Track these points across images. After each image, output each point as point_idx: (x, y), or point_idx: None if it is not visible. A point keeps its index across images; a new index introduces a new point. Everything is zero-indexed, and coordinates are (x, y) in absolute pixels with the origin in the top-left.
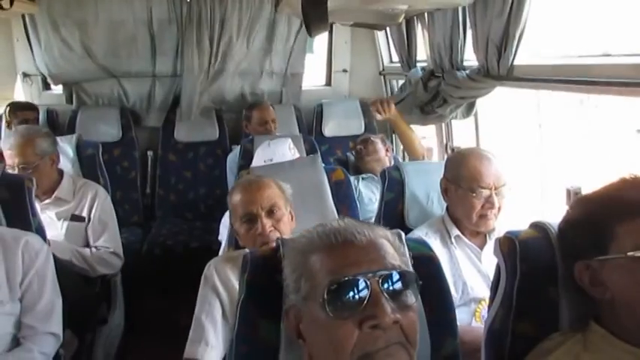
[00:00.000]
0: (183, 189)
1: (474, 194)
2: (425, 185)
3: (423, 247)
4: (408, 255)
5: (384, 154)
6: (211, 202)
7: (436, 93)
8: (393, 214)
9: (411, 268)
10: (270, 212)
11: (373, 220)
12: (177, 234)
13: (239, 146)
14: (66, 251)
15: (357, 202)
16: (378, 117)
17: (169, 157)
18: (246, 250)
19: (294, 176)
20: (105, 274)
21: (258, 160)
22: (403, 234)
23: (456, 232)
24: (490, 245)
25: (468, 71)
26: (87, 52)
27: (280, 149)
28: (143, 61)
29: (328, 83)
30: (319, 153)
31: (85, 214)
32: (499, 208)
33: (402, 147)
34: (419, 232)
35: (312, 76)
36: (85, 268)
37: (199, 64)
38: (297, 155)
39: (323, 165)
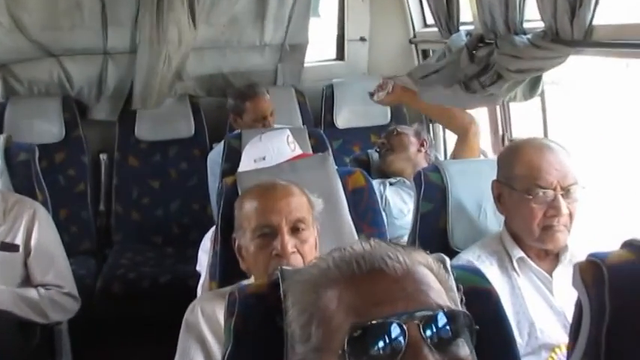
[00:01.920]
0: (148, 204)
1: (532, 197)
2: (475, 191)
3: (475, 277)
4: (455, 289)
5: (415, 150)
6: (187, 220)
7: (486, 65)
8: (433, 232)
9: (462, 307)
10: (295, 229)
11: (405, 239)
12: (141, 265)
13: (222, 143)
14: (3, 298)
15: (384, 216)
16: (376, 98)
17: (129, 161)
18: (244, 283)
19: (297, 181)
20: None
21: (246, 161)
22: (448, 260)
23: (518, 253)
24: (562, 269)
25: (530, 36)
26: (16, 24)
27: (275, 144)
28: (91, 33)
29: (340, 57)
30: (330, 150)
31: (19, 241)
32: (570, 216)
33: (443, 140)
34: (469, 256)
35: (318, 48)
36: (31, 318)
37: (161, 34)
38: (299, 151)
39: (336, 167)
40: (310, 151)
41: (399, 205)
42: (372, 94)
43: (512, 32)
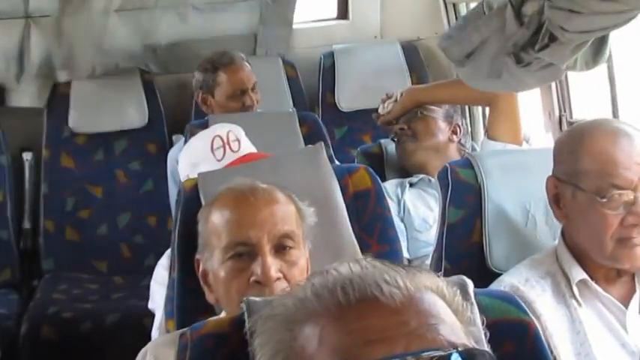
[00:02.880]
0: (89, 218)
1: (604, 199)
2: (521, 193)
3: (508, 306)
4: (479, 322)
5: (446, 138)
6: (141, 239)
7: (538, 27)
8: (464, 248)
9: (485, 346)
10: (281, 247)
11: (430, 258)
12: (81, 300)
13: (184, 135)
14: None
15: (402, 228)
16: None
17: (62, 161)
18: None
19: (281, 184)
20: None
21: (183, 163)
22: (470, 284)
23: (580, 275)
24: None
25: None
26: None
27: (226, 127)
28: None
29: (343, 14)
30: (328, 141)
31: None
32: None
33: (484, 126)
34: (513, 279)
35: (313, 2)
36: None
37: None
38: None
39: (334, 163)
40: (301, 142)
41: (423, 213)
42: (378, 109)
43: None
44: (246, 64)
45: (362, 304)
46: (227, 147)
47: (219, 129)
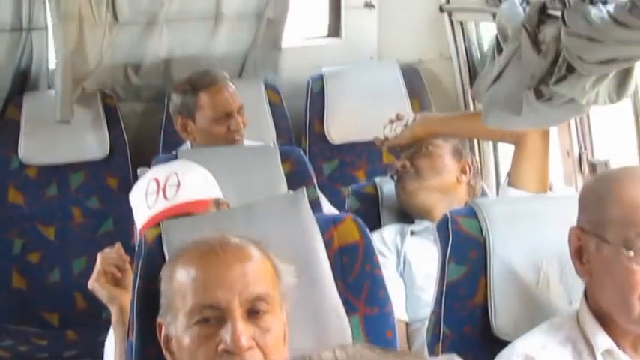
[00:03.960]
0: (39, 262)
1: (632, 252)
2: (532, 247)
3: None
4: None
5: (454, 179)
6: None
7: (556, 56)
8: (465, 311)
9: None
10: (254, 312)
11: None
12: (27, 358)
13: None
14: None
15: (401, 283)
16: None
17: (10, 196)
18: None
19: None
20: None
21: (139, 211)
22: None
23: (605, 342)
24: None
25: (612, 4)
26: None
27: (170, 169)
28: None
29: (335, 32)
30: (313, 180)
31: None
32: None
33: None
34: (527, 347)
35: (300, 18)
36: None
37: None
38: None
39: (324, 206)
40: (282, 185)
41: (427, 267)
42: (384, 129)
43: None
44: (230, 84)
45: None
46: (160, 193)
47: (161, 170)
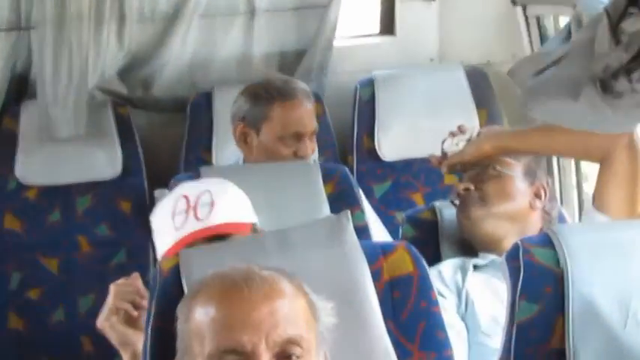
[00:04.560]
0: (39, 300)
1: None
2: (618, 281)
3: None
4: None
5: (526, 204)
6: None
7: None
8: (540, 357)
9: None
10: (284, 357)
11: None
12: None
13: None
14: None
15: (461, 327)
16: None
17: (5, 221)
18: None
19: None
20: None
21: (163, 234)
22: None
23: None
24: None
25: None
26: None
27: (202, 186)
28: None
29: (388, 29)
30: (360, 203)
31: None
32: None
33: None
34: None
35: (347, 15)
36: None
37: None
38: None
39: (368, 239)
40: (325, 208)
41: (493, 308)
42: (443, 144)
43: None
44: (309, 102)
45: None
46: (191, 212)
47: (191, 187)
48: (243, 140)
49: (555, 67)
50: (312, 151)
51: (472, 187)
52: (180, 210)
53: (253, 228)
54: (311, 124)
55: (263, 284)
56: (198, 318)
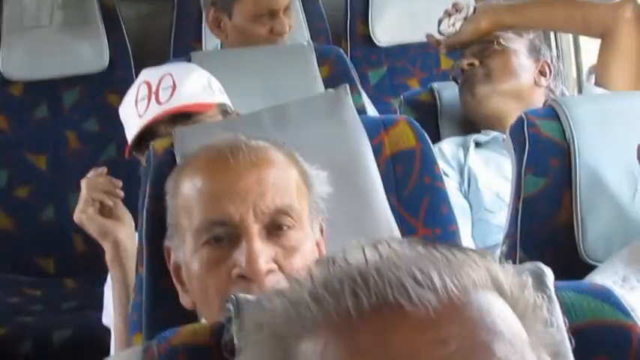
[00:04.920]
0: (29, 199)
1: None
2: (626, 152)
3: (604, 304)
4: (561, 324)
5: (531, 81)
6: None
7: None
8: (546, 231)
9: None
10: (275, 227)
11: (500, 246)
12: (19, 311)
13: None
14: None
15: (464, 204)
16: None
17: None
18: None
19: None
20: None
21: (129, 123)
22: (550, 273)
23: None
24: None
25: None
26: None
27: (180, 73)
28: None
29: None
30: (357, 85)
31: None
32: None
33: (575, 63)
34: (605, 277)
35: None
36: None
37: None
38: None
39: (368, 114)
40: (319, 85)
41: (496, 184)
42: (439, 25)
43: None
44: None
45: (379, 313)
46: (152, 97)
47: (153, 72)
48: (216, 25)
49: None
50: (288, 26)
51: (477, 63)
52: (142, 96)
53: (224, 109)
54: (285, 1)
55: (250, 153)
56: (184, 191)
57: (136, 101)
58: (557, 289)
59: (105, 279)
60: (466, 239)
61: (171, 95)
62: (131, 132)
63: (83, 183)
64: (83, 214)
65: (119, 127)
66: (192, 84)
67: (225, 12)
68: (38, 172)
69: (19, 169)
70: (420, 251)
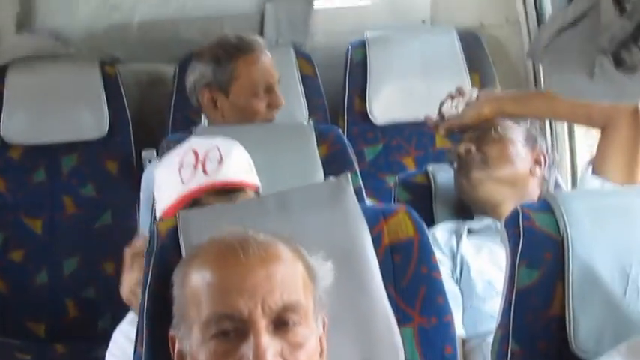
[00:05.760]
0: (23, 262)
1: None
2: (619, 248)
3: None
4: None
5: (526, 170)
6: (94, 292)
7: None
8: (540, 323)
9: None
10: (282, 323)
11: (489, 342)
12: None
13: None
14: None
15: (456, 291)
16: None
17: None
18: None
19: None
20: None
21: (167, 188)
22: None
23: None
24: None
25: None
26: None
27: (211, 142)
28: None
29: None
30: (355, 166)
31: None
32: None
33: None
34: None
35: None
36: None
37: None
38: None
39: (366, 200)
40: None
41: (489, 272)
42: (441, 106)
43: None
44: (266, 51)
45: None
46: (199, 166)
47: (200, 143)
48: (212, 106)
49: (565, 34)
50: (279, 103)
51: (474, 149)
52: (188, 164)
53: (257, 192)
54: (275, 72)
55: (259, 248)
56: (194, 283)
57: (181, 167)
58: None
59: (95, 346)
60: (458, 326)
61: (219, 168)
62: (170, 196)
63: (129, 258)
64: (133, 295)
65: (116, 193)
66: (238, 161)
67: (222, 91)
68: (34, 236)
69: (15, 233)
70: None
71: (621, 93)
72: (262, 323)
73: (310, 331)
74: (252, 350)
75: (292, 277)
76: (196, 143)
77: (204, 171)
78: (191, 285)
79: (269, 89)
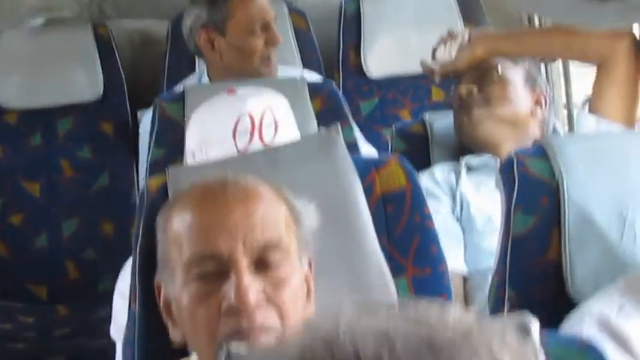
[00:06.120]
0: (22, 225)
1: None
2: (615, 192)
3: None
4: None
5: (527, 111)
6: (93, 253)
7: None
8: (536, 269)
9: None
10: (263, 262)
11: (490, 279)
12: (11, 338)
13: (152, 109)
14: None
15: (457, 230)
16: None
17: None
18: None
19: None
20: None
21: (192, 137)
22: (536, 327)
23: None
24: None
25: None
26: None
27: (264, 103)
28: None
29: None
30: (349, 119)
31: None
32: None
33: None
34: (602, 306)
35: None
36: None
37: None
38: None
39: (362, 150)
40: (313, 124)
41: (488, 209)
42: (434, 52)
43: None
44: None
45: None
46: (257, 134)
47: (254, 103)
48: (209, 47)
49: None
50: (277, 41)
51: (475, 90)
52: (244, 129)
53: None
54: (271, 9)
55: (239, 188)
56: (175, 226)
57: (235, 133)
58: (543, 342)
59: (96, 308)
60: (458, 263)
61: (274, 135)
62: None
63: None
64: None
65: (113, 155)
66: (290, 125)
67: (218, 31)
68: (32, 200)
69: (13, 197)
70: (422, 336)
71: (593, 18)
72: (244, 262)
73: (294, 269)
74: (234, 289)
75: (274, 215)
76: (250, 104)
77: (261, 138)
78: (172, 228)
79: (266, 27)
